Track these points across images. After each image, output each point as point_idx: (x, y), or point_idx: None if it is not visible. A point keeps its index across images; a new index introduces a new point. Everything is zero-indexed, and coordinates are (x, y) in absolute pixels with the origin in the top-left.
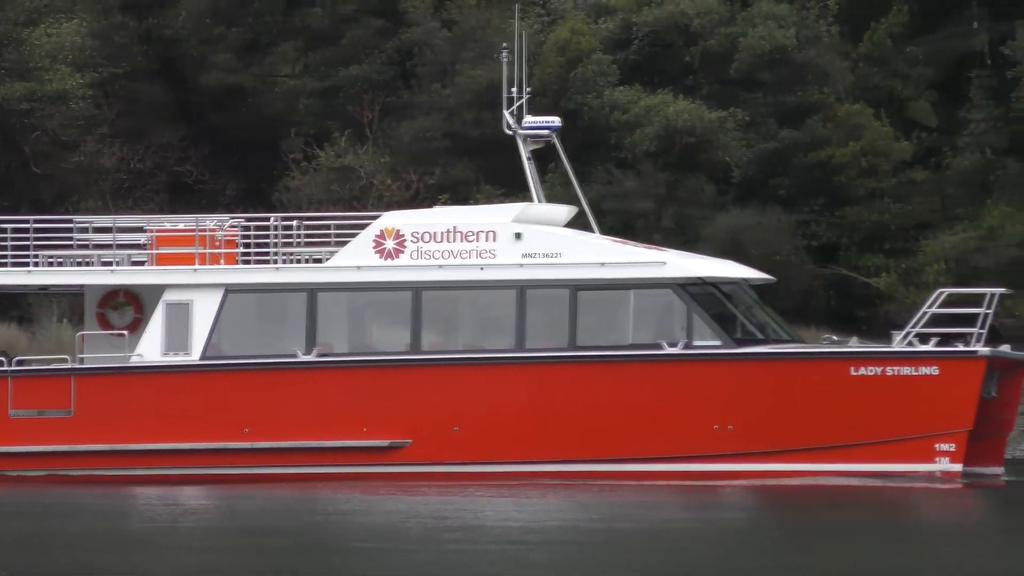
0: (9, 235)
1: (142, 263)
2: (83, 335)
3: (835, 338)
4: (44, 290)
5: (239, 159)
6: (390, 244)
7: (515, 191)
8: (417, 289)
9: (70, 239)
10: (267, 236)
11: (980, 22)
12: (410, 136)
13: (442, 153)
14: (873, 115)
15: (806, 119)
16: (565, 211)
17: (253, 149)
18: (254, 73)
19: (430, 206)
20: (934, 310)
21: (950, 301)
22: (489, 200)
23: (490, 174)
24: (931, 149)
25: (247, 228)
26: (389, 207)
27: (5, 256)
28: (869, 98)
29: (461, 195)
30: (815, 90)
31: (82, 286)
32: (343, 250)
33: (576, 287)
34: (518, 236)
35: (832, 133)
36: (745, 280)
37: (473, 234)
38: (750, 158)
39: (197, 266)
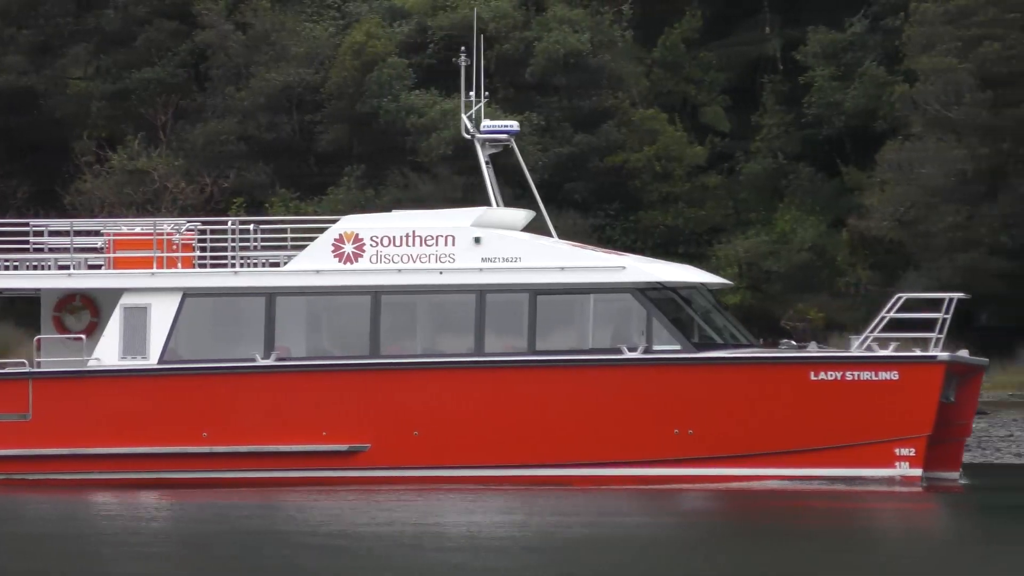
0: None
1: (99, 267)
2: (40, 339)
3: (793, 343)
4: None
5: (30, 161)
6: (349, 248)
7: (309, 195)
8: (376, 293)
9: (26, 243)
10: (224, 239)
11: (772, 28)
12: (204, 139)
13: (237, 156)
14: (667, 120)
15: (601, 124)
16: (523, 215)
17: (44, 151)
18: (45, 75)
19: (225, 210)
20: (892, 315)
21: (908, 306)
22: (285, 204)
23: (285, 178)
24: (724, 154)
25: (203, 232)
26: (184, 211)
27: None
28: (663, 103)
29: (257, 199)
30: (610, 95)
31: (38, 290)
32: (302, 254)
33: (535, 291)
34: (477, 240)
35: (627, 138)
36: (703, 284)
37: (432, 238)
38: (545, 162)
39: (155, 270)
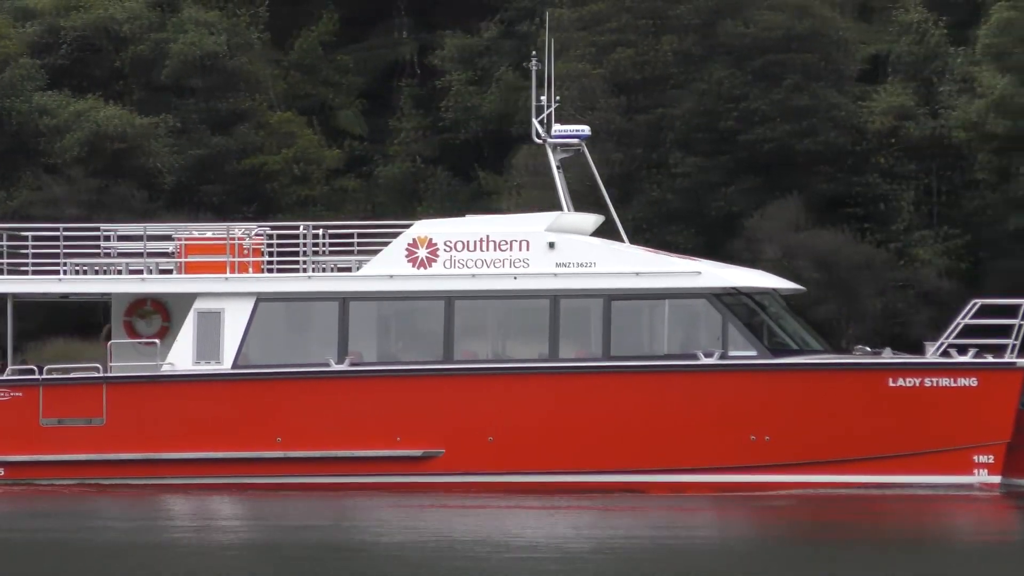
0: (30, 243)
1: (168, 271)
2: (113, 343)
3: (868, 348)
4: (65, 298)
5: None
6: (423, 253)
7: None
8: (450, 298)
9: (96, 247)
10: (291, 244)
11: (407, 32)
12: None
13: None
14: (305, 123)
15: (238, 126)
16: (592, 220)
17: None
18: None
19: None
20: (967, 320)
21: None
22: None
23: None
24: (362, 157)
25: (270, 236)
26: None
27: (26, 264)
28: (301, 106)
29: None
30: (246, 97)
31: (108, 294)
32: (375, 259)
33: (610, 297)
34: (552, 245)
35: (264, 140)
36: (775, 290)
37: (507, 243)
38: (181, 164)
39: (228, 274)
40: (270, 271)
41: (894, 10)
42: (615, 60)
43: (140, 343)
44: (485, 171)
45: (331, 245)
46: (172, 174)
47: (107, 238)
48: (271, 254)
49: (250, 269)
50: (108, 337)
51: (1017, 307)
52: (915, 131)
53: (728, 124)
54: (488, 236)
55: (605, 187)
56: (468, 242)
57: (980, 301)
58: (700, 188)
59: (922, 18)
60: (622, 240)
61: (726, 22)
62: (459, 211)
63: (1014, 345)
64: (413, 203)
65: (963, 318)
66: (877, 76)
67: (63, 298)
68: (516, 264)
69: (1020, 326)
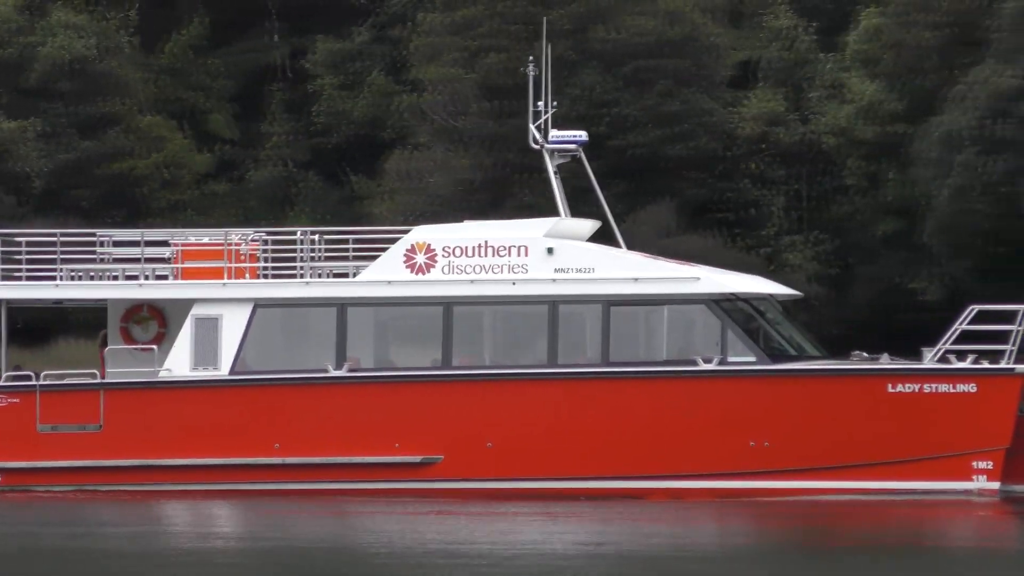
0: (24, 248)
1: (164, 277)
2: (109, 349)
3: (865, 354)
4: (59, 304)
5: None
6: (421, 259)
7: None
8: (448, 304)
9: (92, 253)
10: (286, 250)
11: (278, 36)
12: None
13: None
14: (175, 127)
15: (107, 130)
16: (589, 225)
17: None
18: None
19: None
20: (965, 326)
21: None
22: None
23: None
24: (232, 162)
25: (265, 242)
26: None
27: (20, 270)
28: (171, 110)
29: None
30: (116, 101)
31: (105, 300)
32: (373, 264)
33: (609, 302)
34: (550, 251)
35: (134, 144)
36: (772, 295)
37: (505, 249)
38: (50, 168)
39: (226, 280)
40: (266, 277)
41: (764, 16)
42: (486, 65)
43: (137, 349)
44: (357, 176)
45: (326, 251)
46: (41, 178)
47: (102, 244)
48: (266, 260)
49: (247, 275)
50: (104, 343)
51: (1014, 313)
52: (785, 137)
53: (599, 129)
54: (487, 242)
55: (477, 192)
56: (466, 248)
57: (977, 307)
58: (572, 193)
59: (792, 24)
60: (619, 246)
61: (597, 28)
62: (331, 216)
63: (1011, 351)
64: (285, 208)
65: (960, 324)
66: (747, 82)
67: (57, 304)
68: (515, 270)
69: (1017, 332)
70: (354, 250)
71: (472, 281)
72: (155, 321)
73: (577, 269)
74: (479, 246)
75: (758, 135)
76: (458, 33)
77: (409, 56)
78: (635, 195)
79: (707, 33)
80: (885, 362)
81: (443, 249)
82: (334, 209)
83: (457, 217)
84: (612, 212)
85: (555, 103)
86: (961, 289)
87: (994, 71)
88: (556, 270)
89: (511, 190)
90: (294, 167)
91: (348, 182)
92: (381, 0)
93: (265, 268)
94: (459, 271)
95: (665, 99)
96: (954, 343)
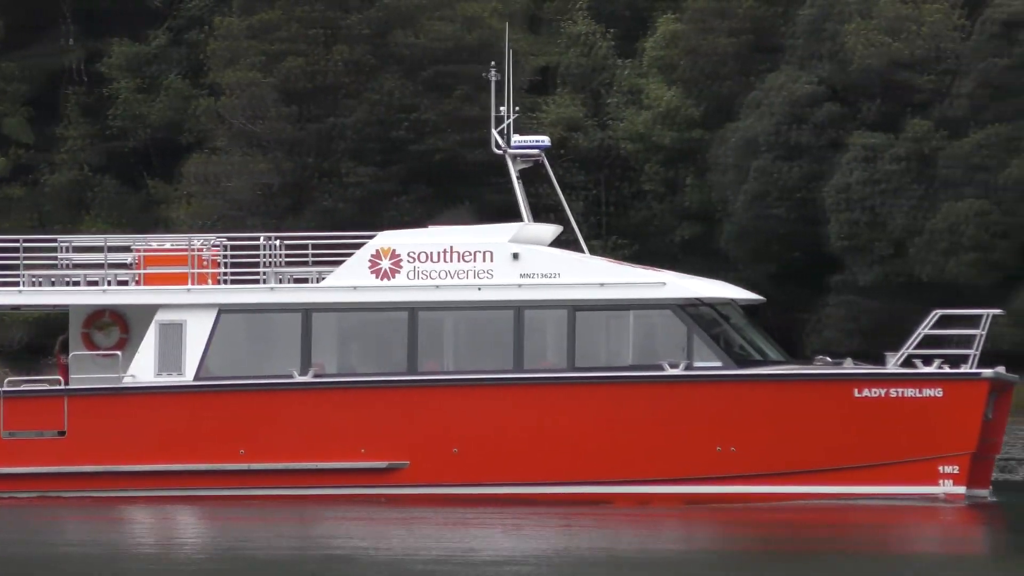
0: None
1: (125, 283)
2: (73, 355)
3: (829, 359)
4: (16, 309)
5: None
6: (386, 264)
7: None
8: (413, 309)
9: (53, 259)
10: (246, 255)
11: (74, 39)
12: None
13: None
14: None
15: None
16: (551, 230)
17: None
18: None
19: None
20: (927, 331)
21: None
22: None
23: None
24: (27, 166)
25: (227, 247)
26: None
27: None
28: None
29: None
30: None
31: (67, 306)
32: (338, 270)
33: (575, 308)
34: (516, 256)
35: None
36: (734, 300)
37: (470, 254)
38: None
39: (191, 286)
40: (226, 283)
41: (563, 22)
42: (285, 69)
43: (100, 355)
44: (154, 179)
45: (287, 256)
46: None
47: (63, 249)
48: (227, 266)
49: (209, 281)
50: (62, 348)
51: (978, 318)
52: (584, 142)
53: (400, 134)
54: (452, 247)
55: (276, 196)
56: (431, 253)
57: (940, 311)
58: (373, 197)
59: (590, 30)
60: (581, 250)
61: (397, 33)
62: (128, 220)
63: (975, 355)
64: (81, 212)
65: (923, 328)
66: (547, 88)
67: (14, 309)
68: (480, 275)
69: (980, 336)
70: (313, 256)
71: (437, 286)
72: (117, 327)
73: (543, 274)
74: (444, 251)
75: (557, 140)
76: (256, 37)
77: (207, 60)
78: (436, 199)
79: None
80: (849, 367)
81: (408, 254)
82: (131, 213)
83: (256, 221)
84: (411, 217)
85: (517, 108)
86: (759, 293)
87: (790, 77)
88: (522, 275)
89: (311, 194)
90: (90, 171)
91: (146, 186)
92: (178, 3)
93: (226, 274)
94: (424, 276)
95: (465, 104)
96: (917, 348)
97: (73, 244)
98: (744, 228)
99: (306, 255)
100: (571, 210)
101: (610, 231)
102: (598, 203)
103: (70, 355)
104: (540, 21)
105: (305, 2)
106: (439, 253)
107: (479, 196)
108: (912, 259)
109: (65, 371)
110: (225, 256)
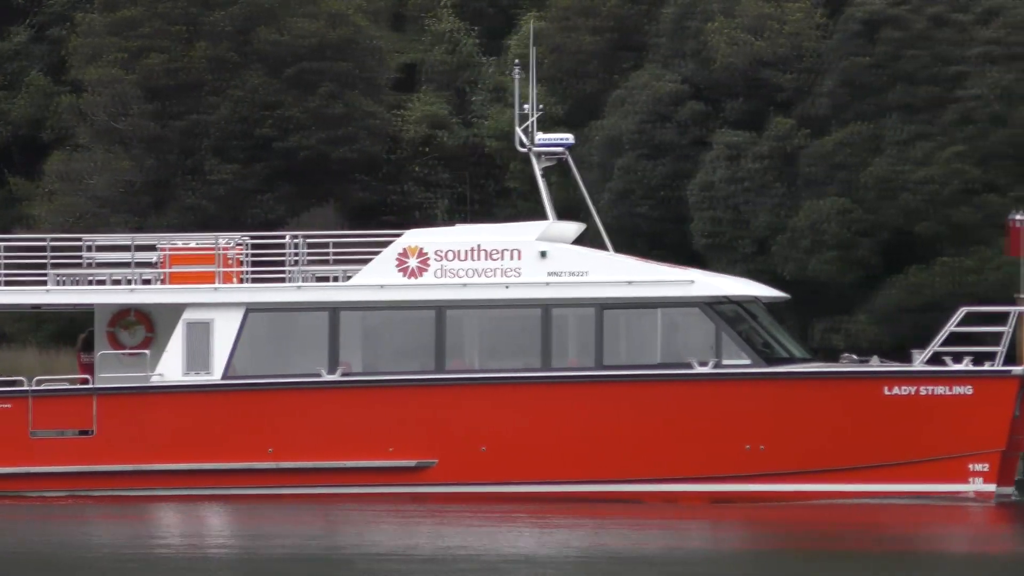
0: (1, 253)
1: (148, 282)
2: (99, 355)
3: (855, 357)
4: (37, 308)
5: None
6: (413, 262)
7: None
8: (441, 308)
9: (78, 258)
10: (269, 254)
11: None
12: None
13: None
14: None
15: None
16: (574, 228)
17: None
18: None
19: None
20: (954, 328)
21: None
22: None
23: None
24: None
25: (249, 246)
26: None
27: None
28: None
29: None
30: None
31: (91, 305)
32: (365, 268)
33: (602, 306)
34: (543, 254)
35: None
36: (759, 298)
37: (498, 252)
38: None
39: (218, 285)
40: (251, 282)
41: (427, 19)
42: (148, 66)
43: (127, 354)
44: (16, 177)
45: (310, 255)
46: None
47: (88, 248)
48: (251, 264)
49: (234, 279)
50: (84, 346)
51: (1005, 315)
52: (449, 140)
53: (264, 131)
54: (479, 245)
55: (140, 193)
56: (459, 251)
57: (967, 308)
58: (237, 195)
59: (455, 28)
60: (606, 248)
61: (261, 29)
62: None
63: (1002, 353)
64: None
65: (951, 325)
66: (412, 85)
67: (35, 309)
68: (508, 273)
69: (1007, 333)
70: (339, 254)
71: (465, 285)
72: (142, 326)
73: (570, 272)
74: (472, 250)
75: (422, 138)
76: (118, 33)
77: (69, 56)
78: (300, 197)
79: (370, 36)
80: (876, 365)
81: (436, 253)
82: None
83: (119, 219)
84: (275, 215)
85: (541, 106)
86: None
87: (654, 76)
88: (549, 273)
89: (174, 192)
90: None
91: (7, 183)
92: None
93: (250, 273)
94: (452, 275)
95: (329, 101)
96: (943, 345)
97: (97, 243)
98: (608, 226)
99: (326, 254)
100: (437, 207)
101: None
102: (463, 201)
103: (98, 354)
104: (404, 19)
105: None
106: (467, 251)
107: (345, 194)
108: (775, 257)
109: (85, 369)
110: (248, 255)
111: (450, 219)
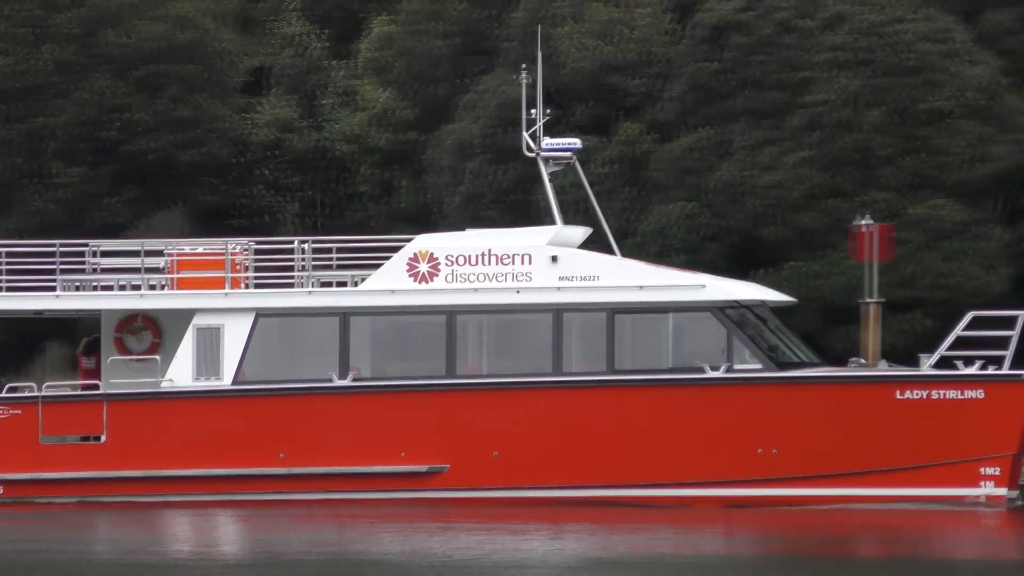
0: (4, 259)
1: (154, 287)
2: (109, 360)
3: (863, 360)
4: (39, 314)
5: None
6: (424, 267)
7: None
8: (452, 313)
9: (81, 263)
10: (276, 259)
11: None
12: None
13: None
14: None
15: None
16: (582, 232)
17: None
18: None
19: None
20: (962, 332)
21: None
22: None
23: None
24: None
25: (254, 251)
26: None
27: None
28: None
29: None
30: None
31: (99, 311)
32: (376, 273)
33: (613, 310)
34: (554, 259)
35: None
36: (766, 302)
37: (509, 257)
38: None
39: (228, 290)
40: (258, 287)
41: (275, 23)
42: None
43: (138, 359)
44: None
45: (314, 260)
46: None
47: (94, 254)
48: (257, 270)
49: (243, 285)
50: (86, 351)
51: (1013, 319)
52: (298, 143)
53: (110, 134)
54: (490, 250)
55: None
56: (470, 256)
57: (975, 313)
58: (82, 198)
59: (304, 31)
60: (613, 252)
61: (107, 32)
62: None
63: (1010, 356)
64: None
65: (958, 330)
66: (261, 88)
67: (38, 315)
68: (519, 278)
69: (1014, 338)
70: (344, 260)
71: (476, 289)
72: (149, 331)
73: (581, 277)
74: (482, 254)
75: (271, 141)
76: None
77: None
78: (147, 201)
79: (217, 39)
80: (883, 368)
81: (446, 257)
82: None
83: None
84: (122, 219)
85: (548, 110)
86: None
87: (503, 80)
88: (560, 278)
89: (20, 195)
90: None
91: None
92: None
93: (258, 278)
94: (463, 279)
95: (177, 104)
96: (950, 349)
97: (102, 248)
98: (459, 230)
99: (330, 259)
100: (286, 211)
101: (325, 232)
102: (313, 205)
103: (107, 360)
104: (252, 22)
105: (13, 0)
106: (477, 256)
107: (192, 197)
108: None
109: (86, 374)
110: (254, 260)
111: (300, 222)
